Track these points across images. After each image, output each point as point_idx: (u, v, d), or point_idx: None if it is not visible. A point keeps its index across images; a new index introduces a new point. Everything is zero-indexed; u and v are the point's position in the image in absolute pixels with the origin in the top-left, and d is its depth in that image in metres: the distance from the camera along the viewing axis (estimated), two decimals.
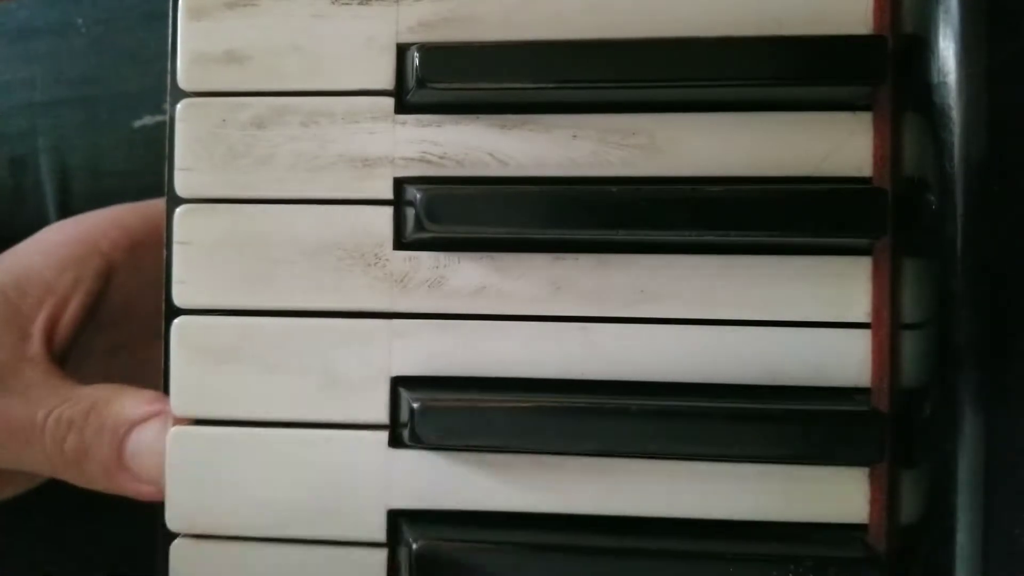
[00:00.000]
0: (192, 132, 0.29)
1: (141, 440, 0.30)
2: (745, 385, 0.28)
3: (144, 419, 0.30)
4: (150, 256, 0.33)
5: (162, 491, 0.29)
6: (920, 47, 0.27)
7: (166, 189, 0.29)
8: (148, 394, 0.31)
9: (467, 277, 0.29)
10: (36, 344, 0.32)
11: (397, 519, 0.29)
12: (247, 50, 0.29)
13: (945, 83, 0.27)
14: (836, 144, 0.28)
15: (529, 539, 0.28)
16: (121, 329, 0.36)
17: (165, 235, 0.29)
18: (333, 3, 0.29)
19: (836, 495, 0.28)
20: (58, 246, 0.34)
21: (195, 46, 0.29)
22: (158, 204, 0.30)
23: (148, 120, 0.43)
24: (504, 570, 0.27)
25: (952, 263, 0.27)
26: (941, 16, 0.27)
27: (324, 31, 0.29)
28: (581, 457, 0.28)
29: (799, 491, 0.28)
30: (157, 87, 0.41)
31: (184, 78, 0.29)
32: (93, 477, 0.31)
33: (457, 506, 0.29)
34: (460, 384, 0.28)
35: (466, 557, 0.27)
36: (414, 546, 0.27)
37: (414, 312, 0.29)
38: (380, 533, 0.29)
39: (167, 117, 0.29)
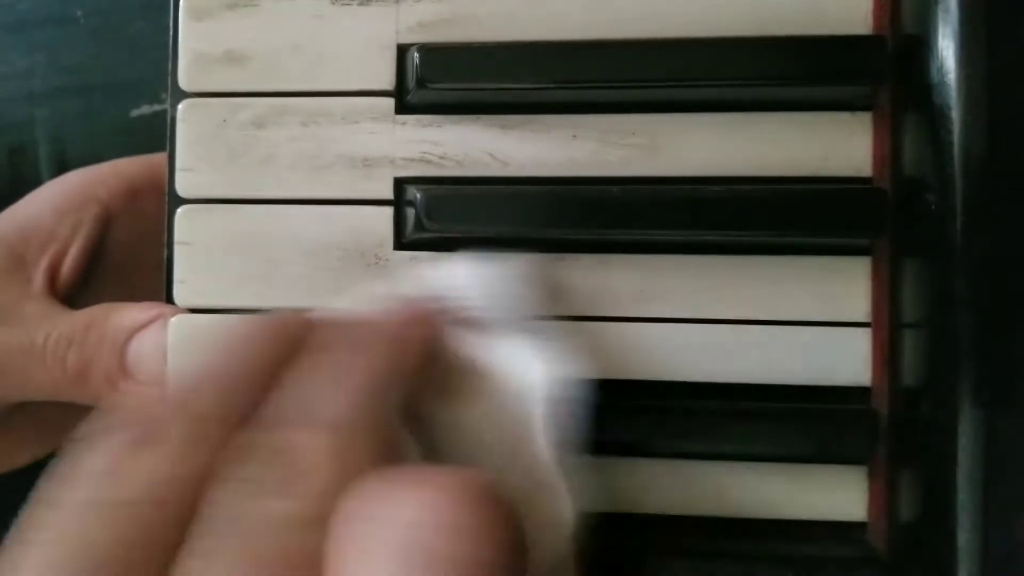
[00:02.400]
0: (192, 132, 0.29)
1: (142, 344, 0.30)
2: (744, 384, 0.28)
3: (143, 324, 0.30)
4: (150, 203, 0.34)
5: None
6: (920, 47, 0.27)
7: (166, 189, 0.29)
8: (145, 304, 0.31)
9: None
10: (38, 285, 0.33)
11: None
12: (247, 50, 0.29)
13: (945, 83, 0.27)
14: (836, 144, 0.28)
15: None
16: (125, 277, 0.36)
17: (165, 235, 0.30)
18: (333, 4, 0.29)
19: (835, 494, 0.28)
20: (58, 195, 0.35)
21: (196, 46, 0.29)
22: (158, 156, 0.31)
23: (146, 109, 0.43)
24: None
25: (952, 263, 0.27)
26: (941, 16, 0.27)
27: (324, 32, 0.29)
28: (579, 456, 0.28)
29: (798, 489, 0.28)
30: (155, 77, 0.42)
31: (185, 78, 0.29)
32: (96, 390, 0.31)
33: None
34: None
35: None
36: None
37: None
38: None
39: (168, 118, 0.30)
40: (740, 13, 0.28)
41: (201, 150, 0.29)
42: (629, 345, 0.28)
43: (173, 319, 0.29)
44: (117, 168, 0.36)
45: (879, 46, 0.27)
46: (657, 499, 0.28)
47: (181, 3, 0.29)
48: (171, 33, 0.30)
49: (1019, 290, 0.27)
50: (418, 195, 0.27)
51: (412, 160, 0.29)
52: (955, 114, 0.27)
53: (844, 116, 0.28)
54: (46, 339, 0.31)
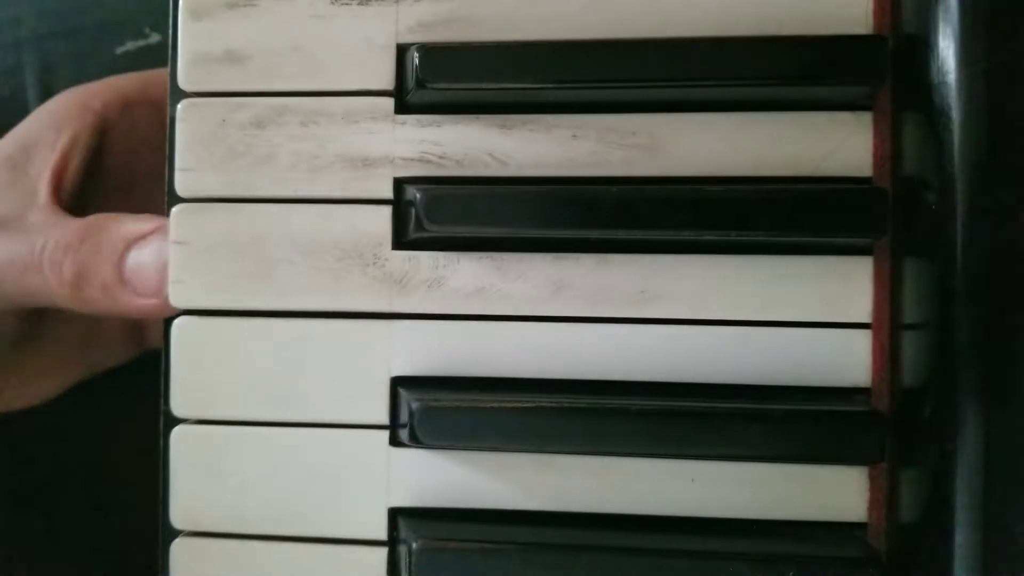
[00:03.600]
0: (192, 132, 0.29)
1: (141, 255, 0.31)
2: (745, 385, 0.28)
3: (142, 236, 0.31)
4: (143, 113, 0.36)
5: (164, 303, 0.29)
6: (920, 47, 0.27)
7: (166, 189, 0.29)
8: (144, 216, 0.32)
9: (467, 277, 0.29)
10: (43, 196, 0.34)
11: (397, 517, 0.29)
12: (247, 50, 0.29)
13: (945, 83, 0.27)
14: (836, 144, 0.28)
15: (529, 538, 0.28)
16: (124, 187, 0.38)
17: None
18: (333, 3, 0.29)
19: (836, 494, 0.28)
20: (56, 111, 0.36)
21: (195, 46, 0.29)
22: (153, 71, 0.33)
23: (130, 46, 0.44)
24: (504, 569, 0.27)
25: (952, 263, 0.27)
26: (941, 16, 0.27)
27: (324, 31, 0.29)
28: (581, 456, 0.28)
29: (799, 490, 0.28)
30: (138, 12, 0.44)
31: (184, 78, 0.29)
32: (93, 299, 0.31)
33: (457, 504, 0.29)
34: (460, 384, 0.28)
35: (466, 556, 0.27)
36: (414, 545, 0.27)
37: (413, 313, 0.29)
38: (381, 532, 0.29)
39: (167, 119, 0.29)
40: (741, 13, 0.28)
41: (200, 150, 0.29)
42: (629, 346, 0.28)
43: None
44: (110, 83, 0.37)
45: (879, 46, 0.27)
46: (658, 499, 0.28)
47: (180, 3, 0.29)
48: (171, 33, 0.30)
49: (1019, 290, 0.27)
50: (418, 195, 0.27)
51: (412, 160, 0.29)
52: (955, 114, 0.27)
53: (844, 116, 0.28)
54: (43, 246, 0.32)
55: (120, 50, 0.44)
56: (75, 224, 0.32)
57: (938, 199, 0.27)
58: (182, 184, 0.29)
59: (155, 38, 0.44)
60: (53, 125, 0.35)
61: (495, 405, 0.27)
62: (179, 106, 0.29)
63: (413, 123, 0.29)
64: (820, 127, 0.28)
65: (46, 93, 0.44)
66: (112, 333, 0.39)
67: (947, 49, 0.27)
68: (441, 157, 0.29)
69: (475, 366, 0.29)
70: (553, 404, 0.27)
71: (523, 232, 0.28)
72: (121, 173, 0.37)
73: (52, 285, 0.31)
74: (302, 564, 0.29)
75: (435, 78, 0.27)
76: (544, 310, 0.29)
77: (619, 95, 0.28)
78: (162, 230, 0.30)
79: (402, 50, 0.29)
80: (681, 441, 0.27)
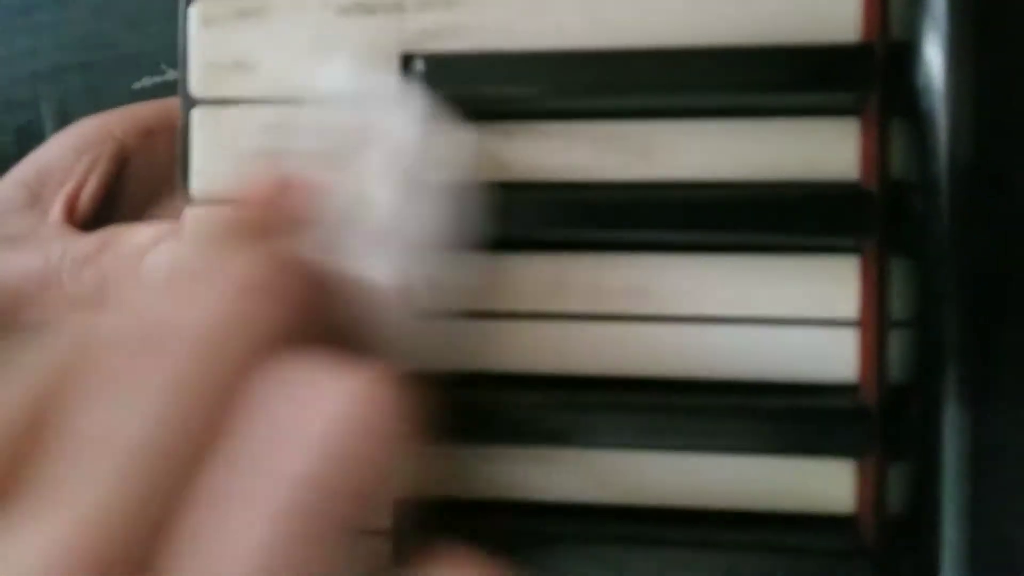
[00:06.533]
0: (204, 138, 0.30)
1: (157, 260, 0.31)
2: (735, 382, 0.29)
3: (156, 241, 0.32)
4: (163, 142, 0.36)
5: None
6: (908, 53, 0.28)
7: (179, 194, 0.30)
8: (156, 224, 0.32)
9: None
10: (55, 217, 0.34)
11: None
12: (257, 58, 0.30)
13: (932, 89, 0.27)
14: (824, 149, 0.29)
15: (523, 530, 0.29)
16: (145, 212, 0.38)
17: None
18: (339, 14, 0.30)
19: (825, 488, 0.29)
20: (75, 137, 0.37)
21: (206, 55, 0.30)
22: (172, 99, 0.32)
23: (147, 82, 0.44)
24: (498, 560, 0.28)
25: (938, 263, 0.27)
26: (928, 23, 0.28)
27: (330, 40, 0.30)
28: (575, 449, 0.29)
29: (788, 483, 0.29)
30: (155, 50, 0.44)
31: (196, 86, 0.30)
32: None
33: (457, 495, 0.29)
34: (459, 383, 0.29)
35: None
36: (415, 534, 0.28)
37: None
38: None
39: (180, 125, 0.30)
40: (730, 24, 0.28)
41: (212, 156, 0.30)
42: (623, 343, 0.29)
43: None
44: (131, 111, 0.38)
45: (866, 55, 0.28)
46: (651, 490, 0.29)
47: (192, 12, 0.30)
48: (182, 41, 0.30)
49: (1002, 289, 0.27)
50: None
51: None
52: (941, 119, 0.27)
53: (833, 121, 0.29)
54: (61, 259, 0.32)
55: (137, 85, 0.44)
56: (90, 237, 0.33)
57: (924, 201, 0.28)
58: (196, 187, 0.30)
59: (172, 75, 0.44)
60: (72, 151, 0.35)
61: (492, 404, 0.28)
62: (191, 113, 0.30)
63: None
64: (808, 132, 0.29)
65: (62, 125, 0.44)
66: None
67: (934, 56, 0.27)
68: None
69: (474, 365, 0.29)
70: (548, 401, 0.28)
71: (523, 232, 0.29)
72: (142, 199, 0.37)
73: (73, 296, 0.32)
74: None
75: (439, 86, 0.28)
76: (542, 308, 0.29)
77: (614, 103, 0.29)
78: (176, 234, 0.31)
79: (407, 59, 0.29)
80: (672, 435, 0.28)
